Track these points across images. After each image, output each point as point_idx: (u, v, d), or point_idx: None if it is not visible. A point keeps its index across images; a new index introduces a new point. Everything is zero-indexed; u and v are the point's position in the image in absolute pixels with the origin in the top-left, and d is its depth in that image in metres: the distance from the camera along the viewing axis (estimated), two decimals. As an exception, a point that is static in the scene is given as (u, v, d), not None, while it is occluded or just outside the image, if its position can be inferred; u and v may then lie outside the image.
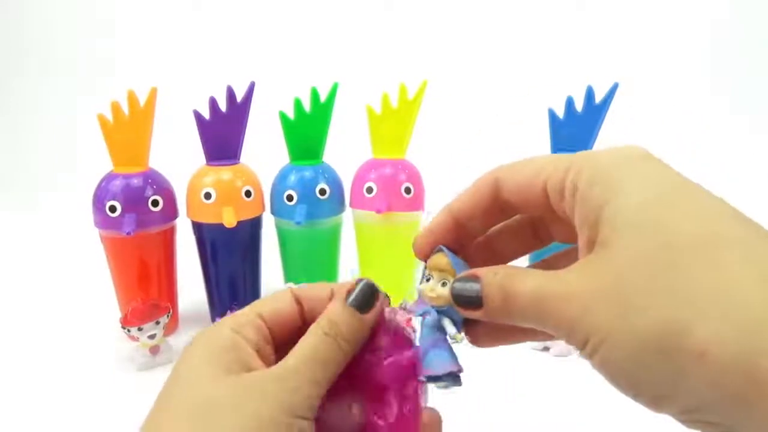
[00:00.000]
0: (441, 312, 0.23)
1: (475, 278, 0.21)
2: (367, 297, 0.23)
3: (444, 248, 0.24)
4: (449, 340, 0.24)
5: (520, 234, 0.25)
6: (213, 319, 0.63)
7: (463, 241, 0.25)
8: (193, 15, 1.17)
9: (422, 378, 0.23)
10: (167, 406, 0.21)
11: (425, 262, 0.24)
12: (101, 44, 1.19)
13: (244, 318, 0.23)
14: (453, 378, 0.23)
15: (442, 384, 0.23)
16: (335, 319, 0.23)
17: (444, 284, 0.23)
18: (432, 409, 0.24)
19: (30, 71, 1.21)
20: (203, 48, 1.16)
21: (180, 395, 0.21)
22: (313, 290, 0.25)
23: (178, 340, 0.58)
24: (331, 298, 0.24)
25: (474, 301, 0.21)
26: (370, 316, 0.23)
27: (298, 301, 0.25)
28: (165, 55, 1.16)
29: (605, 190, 0.18)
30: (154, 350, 0.53)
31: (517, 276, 0.20)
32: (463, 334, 0.23)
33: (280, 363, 0.21)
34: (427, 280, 0.23)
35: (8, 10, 1.20)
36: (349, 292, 0.23)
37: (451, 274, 0.23)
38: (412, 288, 0.64)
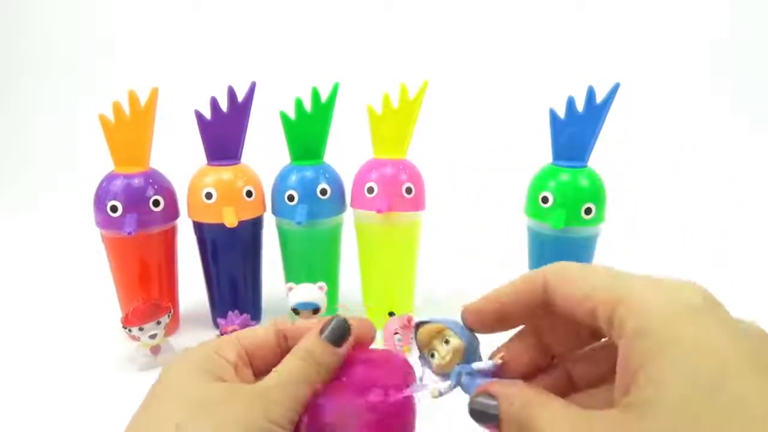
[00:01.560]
0: (467, 362, 0.23)
1: (492, 397, 0.21)
2: (340, 333, 0.25)
3: (420, 321, 0.25)
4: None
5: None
6: (214, 319, 0.63)
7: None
8: (193, 15, 1.17)
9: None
10: (158, 403, 0.22)
11: (423, 351, 0.24)
12: (101, 44, 1.19)
13: (225, 341, 0.25)
14: None
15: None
16: (310, 348, 0.25)
17: (447, 342, 0.23)
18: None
19: (30, 71, 1.21)
20: (204, 48, 1.16)
21: (171, 394, 0.22)
22: (297, 328, 0.27)
23: (179, 340, 0.58)
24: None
25: (493, 419, 0.21)
26: (342, 350, 0.25)
27: (281, 334, 0.26)
28: (166, 55, 1.17)
29: (650, 349, 0.17)
30: (155, 350, 0.53)
31: (535, 408, 0.19)
32: (500, 357, 0.23)
33: (262, 380, 0.23)
34: (433, 356, 0.24)
35: (8, 9, 1.20)
36: (323, 327, 0.25)
37: (442, 330, 0.24)
38: (412, 291, 0.64)
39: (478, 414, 0.21)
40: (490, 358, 0.23)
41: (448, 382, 0.23)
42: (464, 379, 0.23)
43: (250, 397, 0.22)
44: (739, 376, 0.16)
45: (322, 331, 0.25)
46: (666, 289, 0.19)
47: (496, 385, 0.21)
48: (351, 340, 0.25)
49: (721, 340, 0.17)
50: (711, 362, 0.16)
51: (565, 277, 0.21)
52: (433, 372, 0.24)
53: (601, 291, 0.20)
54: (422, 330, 0.24)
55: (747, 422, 0.15)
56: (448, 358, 0.23)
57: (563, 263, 0.22)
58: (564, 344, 0.24)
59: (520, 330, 0.25)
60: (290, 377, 0.24)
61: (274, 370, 0.24)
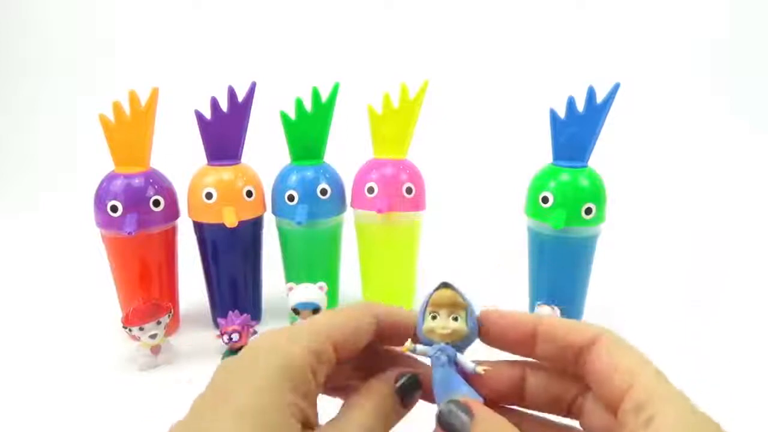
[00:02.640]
0: (456, 347, 0.23)
1: (469, 414, 0.20)
2: (411, 391, 0.23)
3: (450, 283, 0.23)
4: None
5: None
6: (214, 319, 0.63)
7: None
8: (193, 15, 1.17)
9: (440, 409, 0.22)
10: (226, 399, 0.17)
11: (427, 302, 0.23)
12: (101, 44, 1.19)
13: (320, 344, 0.20)
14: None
15: None
16: (385, 406, 0.22)
17: (456, 319, 0.22)
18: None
19: (30, 71, 1.21)
20: (204, 48, 1.16)
21: (242, 398, 0.17)
22: (398, 321, 0.24)
23: (180, 340, 0.58)
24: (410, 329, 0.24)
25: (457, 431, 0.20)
26: (408, 409, 0.23)
27: (378, 324, 0.23)
28: (166, 55, 1.17)
29: None
30: (156, 350, 0.53)
31: None
32: (484, 369, 0.23)
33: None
34: (433, 318, 0.23)
35: (8, 9, 1.20)
36: (396, 379, 0.23)
37: (463, 308, 0.23)
38: (412, 292, 0.64)
39: (446, 421, 0.20)
40: (478, 364, 0.23)
41: (426, 348, 0.23)
42: (441, 358, 0.22)
43: None
44: None
45: (396, 379, 0.22)
46: (676, 412, 0.19)
47: (480, 408, 0.20)
48: (417, 398, 0.23)
49: None
50: None
51: (609, 353, 0.21)
52: (420, 332, 0.23)
53: (641, 390, 0.20)
54: (444, 293, 0.23)
55: None
56: (444, 333, 0.22)
57: (610, 335, 0.22)
58: (544, 400, 0.23)
59: (515, 360, 0.24)
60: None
61: (344, 416, 0.21)
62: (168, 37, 1.18)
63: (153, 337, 0.52)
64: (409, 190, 0.58)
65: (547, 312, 0.54)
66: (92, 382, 0.52)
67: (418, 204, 0.59)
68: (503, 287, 0.70)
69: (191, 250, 0.61)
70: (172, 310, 0.54)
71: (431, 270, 0.69)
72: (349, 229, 0.63)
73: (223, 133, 0.57)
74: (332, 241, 0.62)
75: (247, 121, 0.58)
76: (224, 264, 0.60)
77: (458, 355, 0.22)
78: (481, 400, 0.22)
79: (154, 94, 0.55)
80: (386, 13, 1.16)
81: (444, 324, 0.22)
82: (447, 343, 0.22)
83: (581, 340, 0.21)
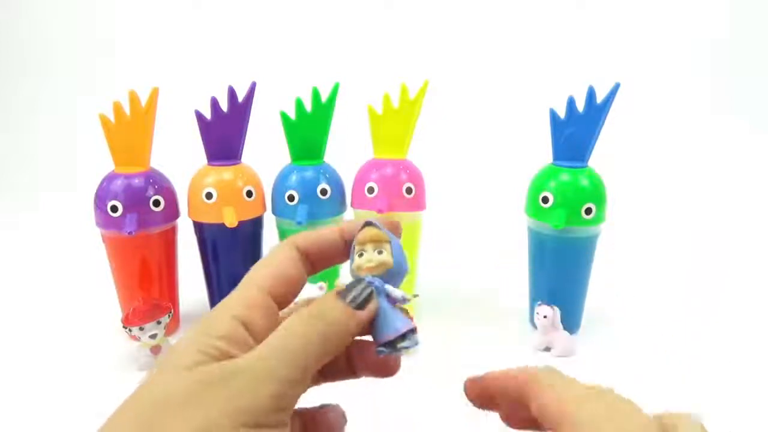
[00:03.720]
0: (384, 281, 0.23)
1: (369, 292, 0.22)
2: (361, 293, 0.22)
3: (372, 221, 0.24)
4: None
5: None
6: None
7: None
8: (193, 15, 1.17)
9: (381, 350, 0.22)
10: (126, 402, 0.19)
11: (357, 248, 0.24)
12: (101, 44, 1.19)
13: (250, 298, 0.21)
14: (410, 337, 0.23)
15: (404, 345, 0.22)
16: (319, 305, 0.21)
17: (381, 252, 0.23)
18: (335, 407, 0.24)
19: (30, 71, 1.22)
20: (204, 48, 1.16)
21: (142, 389, 0.19)
22: (317, 239, 0.24)
23: (180, 340, 0.59)
24: (340, 244, 0.24)
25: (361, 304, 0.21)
26: (365, 313, 0.21)
27: (303, 255, 0.24)
28: (166, 55, 1.17)
29: None
30: (156, 350, 0.53)
31: None
32: (415, 294, 0.24)
33: (244, 355, 0.19)
34: (360, 255, 0.23)
35: (8, 9, 1.20)
36: (340, 291, 0.22)
37: (387, 241, 0.24)
38: (412, 292, 0.64)
39: (355, 298, 0.21)
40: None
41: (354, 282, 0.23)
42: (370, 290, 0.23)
43: (217, 392, 0.17)
44: None
45: (339, 294, 0.21)
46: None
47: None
48: (374, 303, 0.22)
49: None
50: None
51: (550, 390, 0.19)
52: (351, 270, 0.24)
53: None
54: (368, 231, 0.24)
55: None
56: (370, 265, 0.23)
57: (553, 373, 0.20)
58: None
59: None
60: (281, 350, 0.18)
61: (268, 338, 0.19)
62: (168, 37, 1.18)
63: (153, 337, 0.52)
64: (409, 190, 0.58)
65: (547, 312, 0.54)
66: (92, 382, 0.52)
67: (418, 204, 0.59)
68: (503, 287, 0.70)
69: (191, 250, 0.61)
70: (172, 310, 0.54)
71: (431, 270, 0.69)
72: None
73: (223, 133, 0.57)
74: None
75: (247, 121, 0.58)
76: (224, 264, 0.60)
77: (386, 285, 0.23)
78: (416, 326, 0.23)
79: (154, 94, 0.55)
80: (386, 13, 1.16)
81: (369, 257, 0.23)
82: (374, 275, 0.23)
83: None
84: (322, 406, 0.25)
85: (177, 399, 0.17)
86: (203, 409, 0.17)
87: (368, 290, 0.22)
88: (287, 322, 0.20)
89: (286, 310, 0.24)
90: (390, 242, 0.24)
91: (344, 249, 0.25)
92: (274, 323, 0.21)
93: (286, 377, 0.18)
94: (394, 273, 0.24)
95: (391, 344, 0.22)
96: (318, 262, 0.25)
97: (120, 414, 0.18)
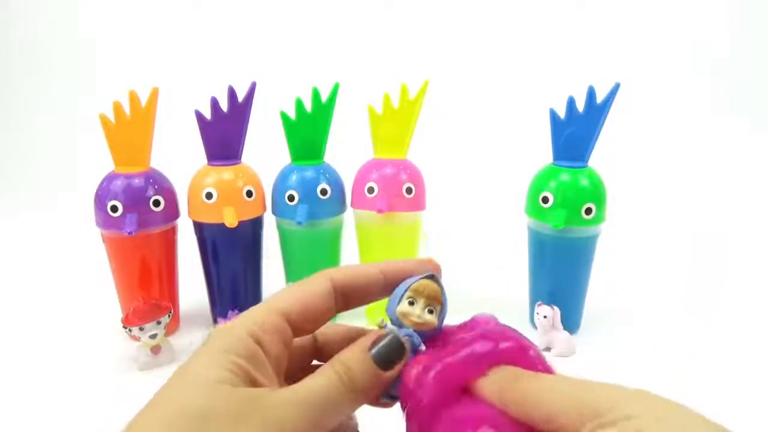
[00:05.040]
0: (412, 335, 0.23)
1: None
2: (393, 354, 0.21)
3: (436, 277, 0.24)
4: None
5: None
6: (214, 319, 0.63)
7: None
8: (193, 15, 1.17)
9: (386, 398, 0.23)
10: (152, 411, 0.19)
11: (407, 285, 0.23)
12: (102, 44, 1.19)
13: (270, 323, 0.21)
14: None
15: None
16: (353, 367, 0.21)
17: (431, 312, 0.23)
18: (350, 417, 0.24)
19: (30, 71, 1.21)
20: (204, 48, 1.16)
21: (169, 399, 0.19)
22: (355, 276, 0.24)
23: (180, 340, 0.59)
24: (379, 282, 0.24)
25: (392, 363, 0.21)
26: (392, 373, 0.21)
27: (337, 289, 0.23)
28: (166, 55, 1.17)
29: None
30: (156, 350, 0.53)
31: None
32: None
33: (285, 391, 0.20)
34: (410, 303, 0.23)
35: (8, 9, 1.20)
36: (374, 343, 0.21)
37: (439, 303, 0.23)
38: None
39: (384, 355, 0.21)
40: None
41: (394, 328, 0.23)
42: (408, 344, 0.23)
43: (260, 417, 0.18)
44: None
45: (371, 346, 0.21)
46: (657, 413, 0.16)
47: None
48: (402, 363, 0.21)
49: None
50: None
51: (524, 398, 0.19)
52: (391, 310, 0.23)
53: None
54: (429, 284, 0.23)
55: None
56: (416, 321, 0.23)
57: (514, 373, 0.20)
58: None
59: None
60: (319, 398, 0.20)
61: (301, 383, 0.20)
62: (168, 37, 1.18)
63: (153, 337, 0.52)
64: (409, 190, 0.58)
65: (547, 312, 0.54)
66: (92, 381, 0.52)
67: (418, 204, 0.59)
68: (503, 287, 0.70)
69: (191, 250, 0.61)
70: (172, 310, 0.54)
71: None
72: (349, 229, 0.63)
73: (223, 133, 0.57)
74: (332, 241, 0.62)
75: (247, 121, 0.58)
76: (224, 264, 0.60)
77: (422, 345, 0.23)
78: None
79: (154, 94, 0.55)
80: (386, 13, 1.16)
81: (420, 313, 0.23)
82: (415, 331, 0.23)
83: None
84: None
85: (221, 415, 0.18)
86: (250, 427, 0.18)
87: (400, 350, 0.22)
88: (326, 374, 0.21)
89: (303, 338, 0.24)
90: (442, 304, 0.23)
91: (383, 288, 0.24)
92: (285, 351, 0.22)
93: (318, 421, 0.19)
94: (430, 333, 0.23)
95: (395, 398, 0.22)
96: (354, 298, 0.24)
97: (145, 425, 0.18)
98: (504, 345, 0.21)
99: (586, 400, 0.17)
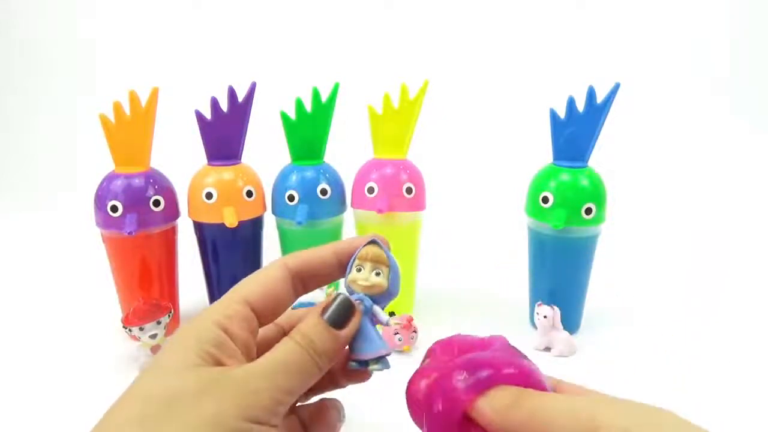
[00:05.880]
0: (373, 300, 0.24)
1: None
2: (344, 314, 0.23)
3: (377, 241, 0.25)
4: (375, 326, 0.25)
5: None
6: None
7: None
8: (193, 15, 1.17)
9: (352, 363, 0.24)
10: (127, 400, 0.20)
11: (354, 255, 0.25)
12: (102, 44, 1.19)
13: (232, 309, 0.23)
14: (383, 361, 0.24)
15: (375, 367, 0.24)
16: (309, 333, 0.22)
17: (378, 274, 0.24)
18: (334, 401, 0.26)
19: (30, 71, 1.21)
20: (204, 48, 1.16)
21: (141, 387, 0.21)
22: (309, 259, 0.25)
23: (180, 340, 0.58)
24: (333, 262, 0.25)
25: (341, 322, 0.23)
26: (346, 332, 0.23)
27: (294, 274, 0.25)
28: (166, 55, 1.16)
29: None
30: (156, 350, 0.53)
31: None
32: (392, 318, 0.25)
33: (248, 364, 0.21)
34: (358, 270, 0.24)
35: (8, 9, 1.20)
36: (325, 308, 0.23)
37: (386, 264, 0.25)
38: (412, 292, 0.64)
39: (336, 315, 0.23)
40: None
41: (344, 292, 0.24)
42: (360, 306, 0.24)
43: (226, 389, 0.19)
44: None
45: (323, 312, 0.23)
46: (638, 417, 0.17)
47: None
48: (355, 321, 0.23)
49: None
50: None
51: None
52: (345, 281, 0.25)
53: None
54: (370, 248, 0.25)
55: None
56: (364, 284, 0.24)
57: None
58: None
59: None
60: (281, 365, 0.21)
61: (265, 354, 0.21)
62: (168, 37, 1.18)
63: (153, 337, 0.52)
64: (409, 190, 0.58)
65: (547, 312, 0.54)
66: (92, 382, 0.52)
67: (418, 204, 0.59)
68: (503, 287, 0.70)
69: (191, 250, 0.61)
70: (172, 310, 0.54)
71: (431, 270, 0.69)
72: (349, 229, 0.63)
73: (223, 133, 0.57)
74: (332, 240, 0.62)
75: (247, 121, 0.58)
76: (224, 264, 0.60)
77: (374, 306, 0.24)
78: (391, 352, 0.24)
79: (154, 94, 0.55)
80: (386, 13, 1.16)
81: (366, 276, 0.24)
82: (366, 295, 0.24)
83: None
84: (322, 400, 0.26)
85: (189, 392, 0.19)
86: (216, 402, 0.19)
87: (350, 309, 0.23)
88: (285, 342, 0.22)
89: (270, 326, 0.25)
90: (389, 266, 0.25)
91: (337, 268, 0.26)
92: (252, 337, 0.23)
93: (283, 387, 0.21)
94: (385, 296, 0.25)
95: (365, 362, 0.24)
96: (310, 281, 0.26)
97: (120, 409, 0.20)
98: (507, 371, 0.21)
99: (586, 419, 0.18)
